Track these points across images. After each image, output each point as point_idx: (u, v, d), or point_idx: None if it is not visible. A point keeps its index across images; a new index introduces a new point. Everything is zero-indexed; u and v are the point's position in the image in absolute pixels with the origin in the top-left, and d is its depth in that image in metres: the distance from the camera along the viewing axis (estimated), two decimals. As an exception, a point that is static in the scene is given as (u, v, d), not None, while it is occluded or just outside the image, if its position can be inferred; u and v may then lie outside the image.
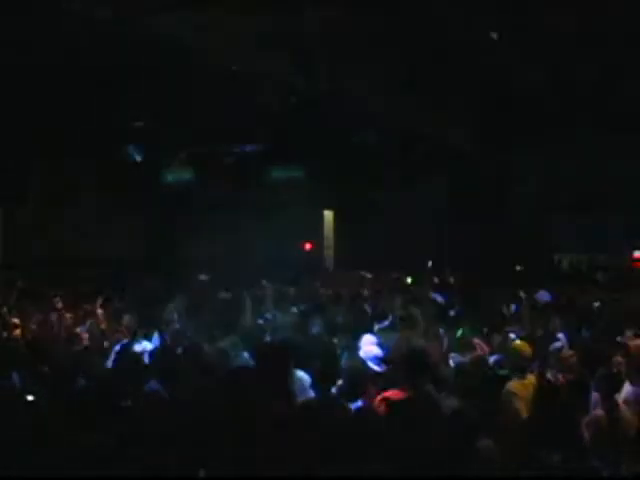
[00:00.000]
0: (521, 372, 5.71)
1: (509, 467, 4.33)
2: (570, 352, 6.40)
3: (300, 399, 5.23)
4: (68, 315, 8.73)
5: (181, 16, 6.82)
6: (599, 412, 4.99)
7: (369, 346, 6.75)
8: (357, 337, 7.15)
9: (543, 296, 10.88)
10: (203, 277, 12.33)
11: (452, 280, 13.20)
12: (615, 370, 5.69)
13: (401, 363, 5.68)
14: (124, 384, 5.15)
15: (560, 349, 6.46)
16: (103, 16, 6.16)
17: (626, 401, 5.27)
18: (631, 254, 16.37)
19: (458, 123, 13.05)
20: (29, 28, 6.53)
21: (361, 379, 5.55)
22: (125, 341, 7.64)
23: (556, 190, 16.83)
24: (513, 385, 5.46)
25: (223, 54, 7.33)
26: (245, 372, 5.04)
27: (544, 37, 9.25)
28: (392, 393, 5.17)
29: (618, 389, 5.18)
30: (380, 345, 6.90)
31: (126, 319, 8.40)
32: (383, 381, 5.60)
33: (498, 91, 11.43)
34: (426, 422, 4.62)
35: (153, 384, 5.38)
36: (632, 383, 5.50)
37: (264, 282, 9.18)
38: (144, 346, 7.47)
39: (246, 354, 6.74)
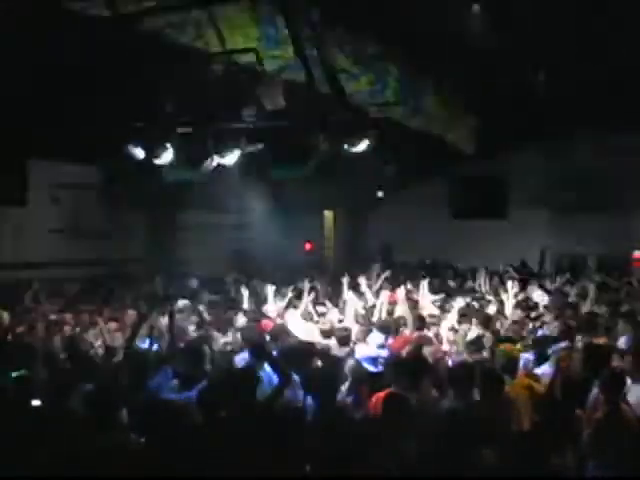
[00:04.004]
0: (510, 374, 5.74)
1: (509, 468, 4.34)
2: (572, 352, 6.40)
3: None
4: (70, 316, 8.71)
5: (181, 15, 6.83)
6: (599, 412, 4.98)
7: (364, 347, 6.77)
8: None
9: (536, 295, 10.89)
10: (193, 282, 12.41)
11: (453, 283, 13.20)
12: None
13: (402, 364, 5.69)
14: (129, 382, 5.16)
15: (562, 349, 6.45)
16: (102, 15, 6.16)
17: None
18: (631, 254, 16.37)
19: (458, 123, 13.06)
20: (29, 27, 6.53)
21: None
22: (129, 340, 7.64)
23: (556, 190, 16.83)
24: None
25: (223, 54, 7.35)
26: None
27: (544, 37, 9.26)
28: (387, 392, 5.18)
29: (621, 389, 5.16)
30: (382, 346, 6.91)
31: (130, 317, 8.40)
32: (378, 381, 5.60)
33: (498, 91, 11.43)
34: (424, 421, 4.63)
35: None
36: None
37: (269, 285, 9.26)
38: (148, 344, 7.47)
39: (246, 353, 6.74)
